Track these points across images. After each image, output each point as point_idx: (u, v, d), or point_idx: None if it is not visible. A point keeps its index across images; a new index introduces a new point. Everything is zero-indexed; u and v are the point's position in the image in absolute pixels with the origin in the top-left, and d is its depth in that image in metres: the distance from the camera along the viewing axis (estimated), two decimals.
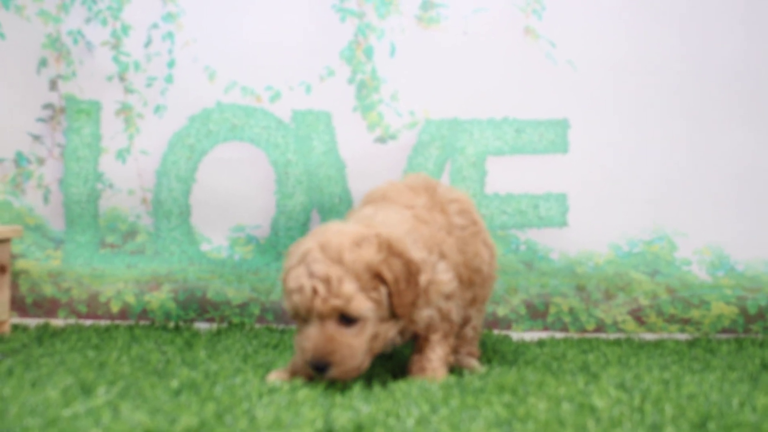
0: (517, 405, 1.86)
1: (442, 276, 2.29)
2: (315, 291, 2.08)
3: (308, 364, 2.11)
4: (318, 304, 2.08)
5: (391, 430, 1.62)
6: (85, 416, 1.65)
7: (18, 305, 3.28)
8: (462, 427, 1.64)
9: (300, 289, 2.10)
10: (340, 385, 2.10)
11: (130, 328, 3.13)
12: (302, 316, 2.13)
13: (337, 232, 2.16)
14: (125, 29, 3.28)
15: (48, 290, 3.29)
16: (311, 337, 2.10)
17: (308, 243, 2.16)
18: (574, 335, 3.25)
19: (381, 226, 2.22)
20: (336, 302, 2.08)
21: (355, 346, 2.11)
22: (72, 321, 3.28)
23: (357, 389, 2.04)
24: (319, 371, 2.10)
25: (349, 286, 2.09)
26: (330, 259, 2.10)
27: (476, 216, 2.55)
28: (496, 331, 3.27)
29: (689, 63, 3.27)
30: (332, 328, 2.10)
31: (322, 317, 2.09)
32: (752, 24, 3.27)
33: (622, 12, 3.28)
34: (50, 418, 1.62)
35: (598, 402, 1.87)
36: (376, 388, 2.05)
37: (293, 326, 3.25)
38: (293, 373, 2.21)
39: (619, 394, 1.98)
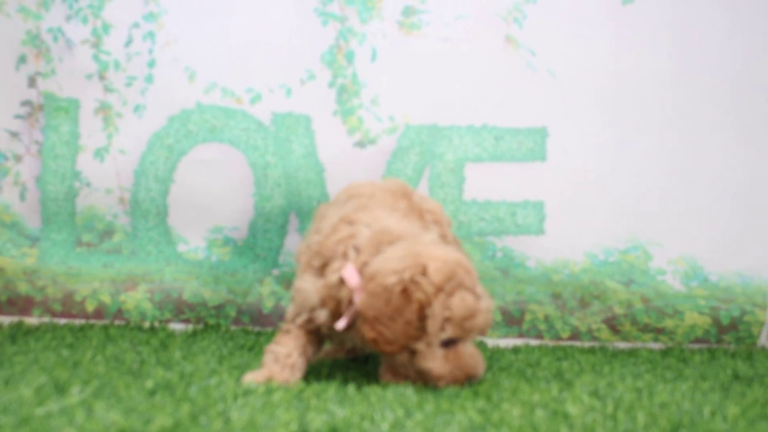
0: (491, 411, 1.87)
1: None
2: (489, 311, 2.18)
3: (468, 380, 2.18)
4: (491, 319, 2.20)
5: None
6: (58, 415, 1.64)
7: None
8: None
9: (476, 313, 2.14)
10: (316, 387, 2.10)
11: (105, 327, 3.11)
12: (444, 340, 2.15)
13: (442, 248, 2.21)
14: (106, 28, 3.27)
15: (23, 288, 3.27)
16: (471, 355, 2.18)
17: (439, 265, 2.13)
18: (548, 343, 3.27)
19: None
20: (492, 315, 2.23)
21: None
22: (46, 319, 3.25)
23: (332, 392, 2.04)
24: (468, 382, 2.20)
25: (490, 300, 2.22)
26: (473, 276, 2.18)
27: (445, 229, 2.60)
28: None
29: (670, 73, 3.29)
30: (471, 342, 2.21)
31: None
32: (735, 34, 3.28)
33: (602, 22, 3.29)
34: (23, 417, 1.61)
35: (572, 409, 1.88)
36: (351, 392, 2.06)
37: (269, 329, 3.25)
38: (269, 376, 2.21)
39: (592, 401, 2.00)
